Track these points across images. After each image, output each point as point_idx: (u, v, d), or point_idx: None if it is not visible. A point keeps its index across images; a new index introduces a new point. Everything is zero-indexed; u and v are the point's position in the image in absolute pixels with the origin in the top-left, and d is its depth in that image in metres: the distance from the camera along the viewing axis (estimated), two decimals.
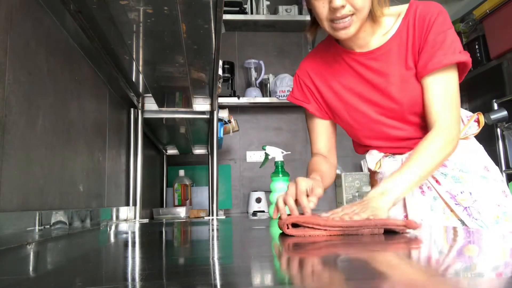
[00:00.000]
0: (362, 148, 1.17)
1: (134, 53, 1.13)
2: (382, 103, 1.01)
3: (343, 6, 0.88)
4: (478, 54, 2.75)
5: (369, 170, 1.17)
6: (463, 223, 0.99)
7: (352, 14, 0.90)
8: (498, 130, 2.62)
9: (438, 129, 0.91)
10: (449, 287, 0.32)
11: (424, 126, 1.01)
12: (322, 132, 1.14)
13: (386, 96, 1.00)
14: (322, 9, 0.91)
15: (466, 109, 2.93)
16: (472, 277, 0.35)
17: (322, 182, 0.95)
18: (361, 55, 1.02)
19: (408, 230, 0.69)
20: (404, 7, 1.00)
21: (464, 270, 0.39)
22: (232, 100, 2.80)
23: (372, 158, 1.13)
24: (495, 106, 2.59)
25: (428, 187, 1.03)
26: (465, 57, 0.93)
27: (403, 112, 1.00)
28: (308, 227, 0.68)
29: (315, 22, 1.04)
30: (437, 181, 1.01)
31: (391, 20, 1.00)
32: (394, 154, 1.09)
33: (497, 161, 2.63)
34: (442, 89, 0.93)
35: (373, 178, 1.20)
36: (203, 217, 1.92)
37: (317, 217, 0.72)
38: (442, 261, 0.47)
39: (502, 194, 1.00)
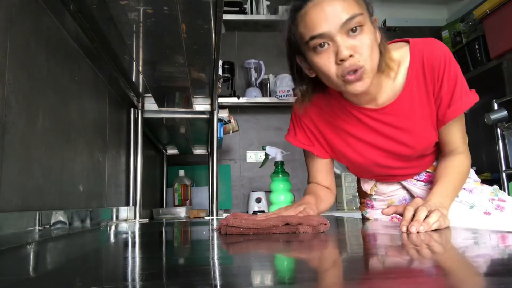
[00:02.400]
0: (359, 172, 1.18)
1: (134, 53, 1.13)
2: (394, 150, 1.01)
3: (351, 56, 0.80)
4: (478, 54, 2.75)
5: (362, 192, 1.21)
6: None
7: (362, 66, 0.81)
8: (498, 130, 2.62)
9: (463, 155, 1.00)
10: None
11: (425, 159, 1.05)
12: (322, 168, 1.13)
13: (399, 145, 0.99)
14: (329, 65, 0.83)
15: None
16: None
17: (316, 205, 0.99)
18: (373, 111, 0.97)
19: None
20: (404, 52, 0.94)
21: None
22: (232, 100, 2.80)
23: (368, 184, 1.17)
24: (495, 106, 2.59)
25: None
26: (476, 96, 0.95)
27: (413, 156, 1.02)
28: (235, 226, 0.77)
29: (314, 87, 0.97)
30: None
31: (394, 68, 0.94)
32: (389, 182, 1.14)
33: (497, 161, 2.63)
34: (459, 126, 0.99)
35: (364, 196, 1.22)
36: (203, 217, 1.92)
37: (248, 218, 0.79)
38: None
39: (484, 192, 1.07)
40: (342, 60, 0.80)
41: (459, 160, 0.98)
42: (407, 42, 0.96)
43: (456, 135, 0.98)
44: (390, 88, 0.94)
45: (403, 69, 0.93)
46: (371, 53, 0.82)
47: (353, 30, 0.80)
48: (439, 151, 1.05)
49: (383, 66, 0.89)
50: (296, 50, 0.91)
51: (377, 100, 0.95)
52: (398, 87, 0.94)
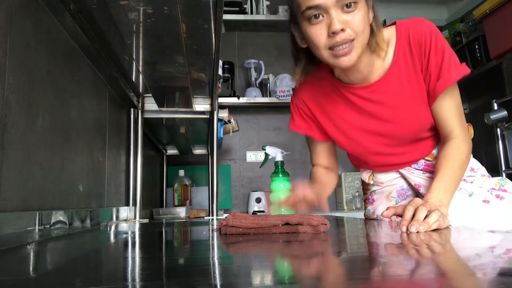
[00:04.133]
0: (357, 163, 1.20)
1: (134, 53, 1.13)
2: (384, 132, 1.01)
3: (343, 30, 0.83)
4: (478, 54, 2.75)
5: (363, 184, 1.23)
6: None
7: (352, 40, 0.84)
8: (498, 130, 2.62)
9: (460, 138, 0.96)
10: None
11: (421, 144, 1.04)
12: (324, 151, 1.16)
13: (387, 125, 1.00)
14: (320, 36, 0.85)
15: (466, 109, 2.94)
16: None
17: (323, 193, 1.02)
18: (361, 89, 0.98)
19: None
20: (391, 32, 0.96)
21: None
22: (232, 100, 2.80)
23: (366, 172, 1.19)
24: (495, 106, 2.59)
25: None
26: (467, 68, 0.94)
27: (407, 139, 1.02)
28: (234, 226, 0.77)
29: (307, 61, 0.99)
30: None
31: (384, 48, 0.96)
32: (386, 170, 1.14)
33: (497, 161, 2.63)
34: (453, 103, 0.96)
35: (365, 188, 1.24)
36: (203, 217, 1.92)
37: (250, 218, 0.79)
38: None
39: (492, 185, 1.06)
40: (333, 33, 0.83)
41: (456, 146, 0.96)
42: (394, 24, 0.98)
43: (450, 114, 0.96)
44: (380, 66, 0.96)
45: (391, 47, 0.96)
46: (362, 29, 0.85)
47: (348, 5, 0.83)
48: (438, 139, 1.05)
49: (373, 45, 0.92)
50: (292, 18, 0.93)
51: (368, 80, 0.97)
52: (387, 65, 0.96)
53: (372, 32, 0.90)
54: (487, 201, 1.00)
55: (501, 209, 0.99)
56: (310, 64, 1.00)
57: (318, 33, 0.86)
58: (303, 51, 0.97)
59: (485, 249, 0.55)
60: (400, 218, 1.13)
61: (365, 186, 1.23)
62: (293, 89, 1.16)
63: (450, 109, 0.96)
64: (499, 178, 1.06)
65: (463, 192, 1.02)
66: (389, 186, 1.15)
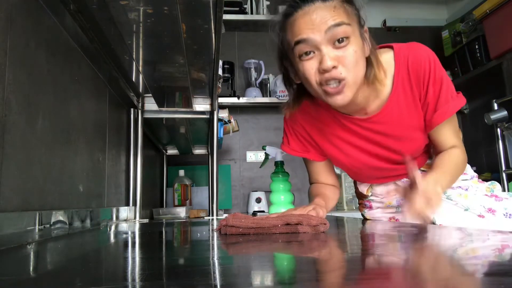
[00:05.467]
0: (355, 177, 1.19)
1: (134, 53, 1.13)
2: (383, 155, 1.01)
3: (334, 67, 0.80)
4: (478, 54, 2.76)
5: (359, 193, 1.21)
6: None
7: (343, 79, 0.81)
8: (498, 130, 2.62)
9: (458, 148, 0.98)
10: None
11: (418, 158, 1.05)
12: (322, 169, 1.14)
13: (387, 150, 1.00)
14: (311, 72, 0.83)
15: (466, 109, 2.95)
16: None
17: (326, 206, 1.01)
18: (361, 120, 0.97)
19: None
20: (389, 58, 0.93)
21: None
22: (232, 100, 2.80)
23: (364, 185, 1.18)
24: (495, 106, 2.59)
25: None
26: (463, 99, 0.94)
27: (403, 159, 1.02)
28: (234, 226, 0.77)
29: (298, 95, 0.97)
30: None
31: (383, 80, 0.93)
32: (384, 183, 1.14)
33: (497, 161, 2.63)
34: (451, 128, 0.97)
35: (362, 197, 1.22)
36: (203, 217, 1.91)
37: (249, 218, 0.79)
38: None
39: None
40: (324, 70, 0.80)
41: (454, 153, 0.97)
42: (391, 48, 0.95)
43: (448, 136, 0.97)
44: (378, 96, 0.94)
45: (389, 76, 0.92)
46: (355, 65, 0.81)
47: (339, 41, 0.80)
48: (431, 150, 1.06)
49: (371, 78, 0.88)
50: (284, 55, 0.92)
51: (366, 109, 0.95)
52: (385, 95, 0.93)
53: (370, 64, 0.87)
54: (482, 216, 1.01)
55: (495, 223, 0.99)
56: (303, 96, 0.98)
57: (309, 69, 0.83)
58: (296, 84, 0.96)
59: (484, 249, 0.55)
60: (398, 218, 1.13)
61: (361, 195, 1.22)
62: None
63: (448, 132, 0.97)
64: (489, 183, 1.08)
65: (460, 207, 1.03)
66: (387, 197, 1.15)
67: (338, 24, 0.79)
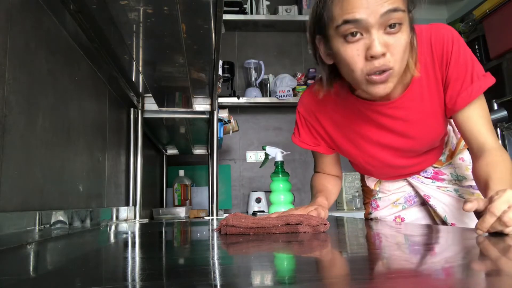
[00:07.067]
0: (365, 172, 1.18)
1: (134, 53, 1.13)
2: (401, 146, 0.96)
3: (383, 54, 0.72)
4: (478, 54, 2.76)
5: (366, 187, 1.21)
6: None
7: (390, 69, 0.74)
8: (498, 130, 2.62)
9: (496, 149, 0.85)
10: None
11: (432, 153, 1.02)
12: (329, 161, 1.13)
13: (406, 139, 0.94)
14: (357, 58, 0.74)
15: None
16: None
17: (328, 201, 1.00)
18: (382, 106, 0.90)
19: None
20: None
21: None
22: (232, 100, 2.80)
23: (372, 179, 1.17)
24: (495, 106, 2.59)
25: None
26: (492, 79, 0.85)
27: (421, 150, 0.99)
28: (234, 226, 0.77)
29: (334, 74, 0.87)
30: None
31: (412, 68, 0.85)
32: (395, 180, 1.13)
33: None
34: (480, 113, 0.87)
35: (368, 193, 1.22)
36: (203, 217, 1.91)
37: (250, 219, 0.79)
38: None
39: None
40: (372, 57, 0.72)
41: (497, 154, 0.83)
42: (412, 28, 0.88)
43: (479, 125, 0.86)
44: (402, 80, 0.86)
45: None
46: (403, 55, 0.75)
47: (391, 26, 0.72)
48: (444, 145, 1.04)
49: (411, 69, 0.83)
50: (320, 30, 0.80)
51: (389, 95, 0.88)
52: (408, 78, 0.87)
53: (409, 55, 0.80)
54: None
55: None
56: (334, 77, 0.89)
57: (354, 55, 0.74)
58: (326, 65, 0.87)
59: (486, 250, 0.55)
60: (403, 216, 1.13)
61: (368, 191, 1.21)
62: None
63: (479, 119, 0.86)
64: None
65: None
66: (396, 193, 1.15)
67: (395, 10, 0.71)
